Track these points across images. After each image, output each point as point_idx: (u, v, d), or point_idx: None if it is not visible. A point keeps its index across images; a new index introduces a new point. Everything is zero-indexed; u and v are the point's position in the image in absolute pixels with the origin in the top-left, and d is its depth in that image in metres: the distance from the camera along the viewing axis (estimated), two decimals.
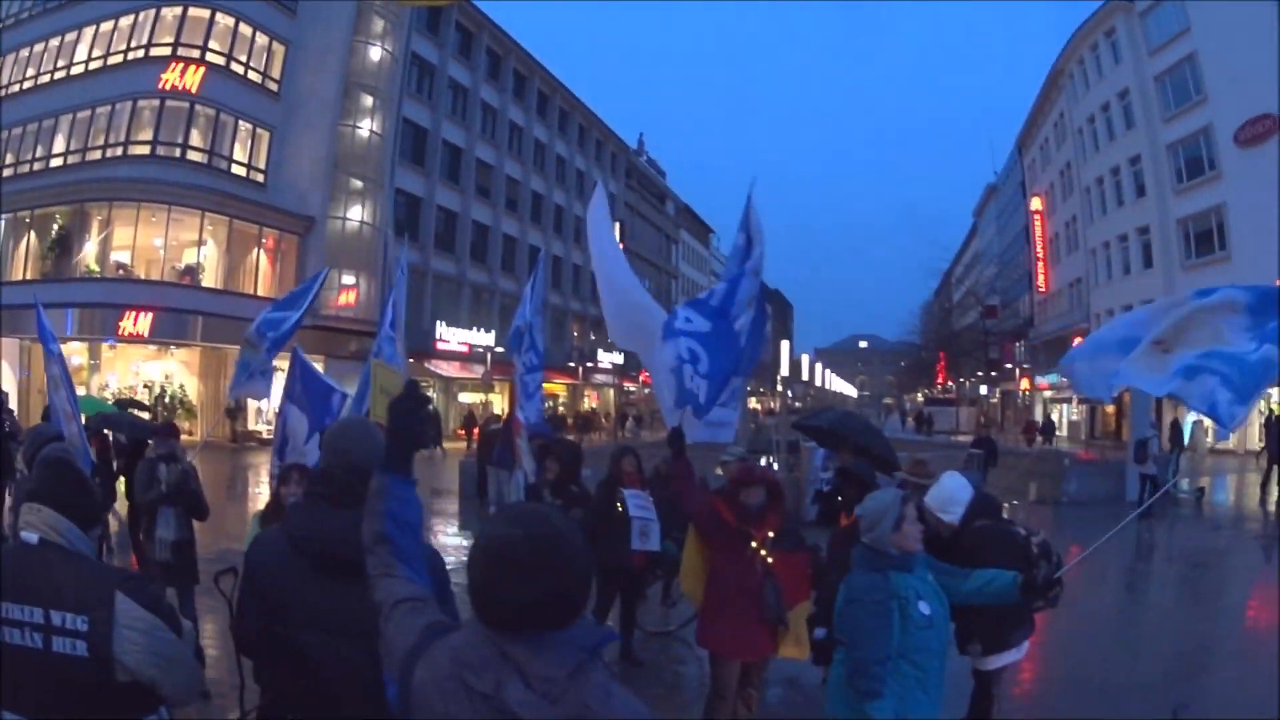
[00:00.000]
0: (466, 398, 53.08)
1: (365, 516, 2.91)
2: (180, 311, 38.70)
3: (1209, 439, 47.19)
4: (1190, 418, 46.99)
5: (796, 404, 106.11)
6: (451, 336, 52.96)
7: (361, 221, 46.87)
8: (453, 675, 2.35)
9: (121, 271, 39.19)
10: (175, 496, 8.97)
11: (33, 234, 41.37)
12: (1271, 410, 33.51)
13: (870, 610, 5.00)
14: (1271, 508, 25.62)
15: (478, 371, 50.48)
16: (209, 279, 41.05)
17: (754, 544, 7.10)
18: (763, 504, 7.15)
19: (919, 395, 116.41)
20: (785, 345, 61.21)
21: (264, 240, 43.17)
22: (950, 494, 7.17)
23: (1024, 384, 74.02)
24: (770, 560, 7.05)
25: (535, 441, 10.99)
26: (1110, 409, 49.46)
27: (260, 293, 41.89)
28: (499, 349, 49.18)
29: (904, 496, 5.39)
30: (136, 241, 40.07)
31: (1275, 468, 26.61)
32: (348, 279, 45.80)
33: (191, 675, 3.75)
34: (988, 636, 6.89)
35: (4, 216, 40.98)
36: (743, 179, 8.94)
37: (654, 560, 10.24)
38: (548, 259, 56.17)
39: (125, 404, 22.81)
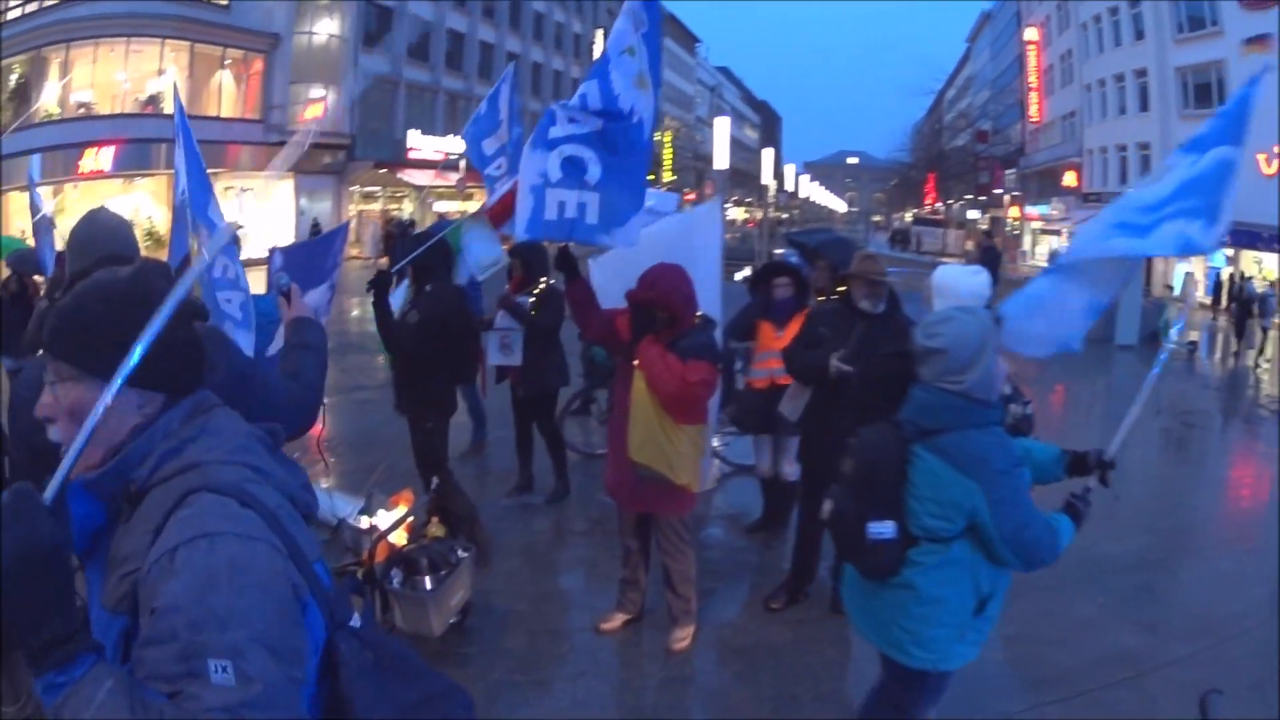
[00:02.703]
0: (441, 206, 52.89)
1: None
2: (142, 141, 39.33)
3: (1199, 292, 47.51)
4: (1181, 268, 47.74)
5: (782, 215, 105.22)
6: (425, 145, 54.14)
7: (330, 35, 47.56)
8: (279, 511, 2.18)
9: (83, 110, 39.22)
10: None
11: None
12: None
13: (1020, 480, 4.20)
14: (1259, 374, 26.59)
15: (452, 179, 50.34)
16: (172, 106, 39.90)
17: (635, 362, 6.46)
18: (655, 320, 6.41)
19: (908, 215, 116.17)
20: (769, 154, 60.11)
21: (227, 62, 44.02)
22: (985, 283, 6.25)
23: (1013, 212, 74.11)
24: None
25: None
26: None
27: (225, 114, 41.76)
28: None
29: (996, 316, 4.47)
30: (97, 79, 41.02)
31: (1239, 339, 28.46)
32: (316, 92, 46.96)
33: None
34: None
35: None
36: None
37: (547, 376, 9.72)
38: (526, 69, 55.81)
39: None
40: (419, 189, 54.30)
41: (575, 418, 11.47)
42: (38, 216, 10.14)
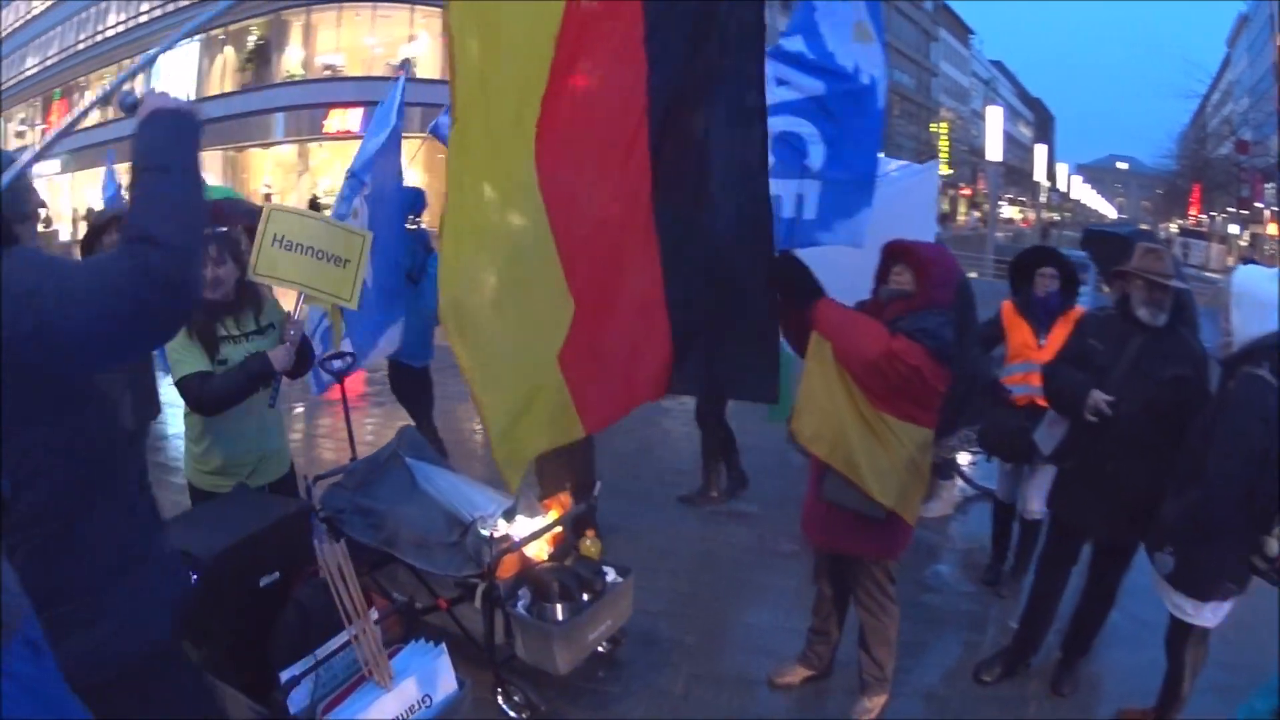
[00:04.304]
0: None
1: None
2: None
3: None
4: None
5: (1054, 216, 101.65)
6: None
7: None
8: None
9: (328, 72, 39.68)
10: None
11: (229, 49, 44.12)
12: None
13: None
14: None
15: None
16: (425, 71, 41.68)
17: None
18: (902, 294, 4.77)
19: (1173, 225, 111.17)
20: (1042, 150, 57.31)
21: None
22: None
23: (1271, 228, 68.99)
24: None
25: None
26: None
27: None
28: None
29: None
30: (342, 43, 42.34)
31: None
32: None
33: None
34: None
35: (199, 38, 43.57)
36: None
37: None
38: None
39: None
40: None
41: None
42: None
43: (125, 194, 9.47)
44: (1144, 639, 5.88)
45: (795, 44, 4.83)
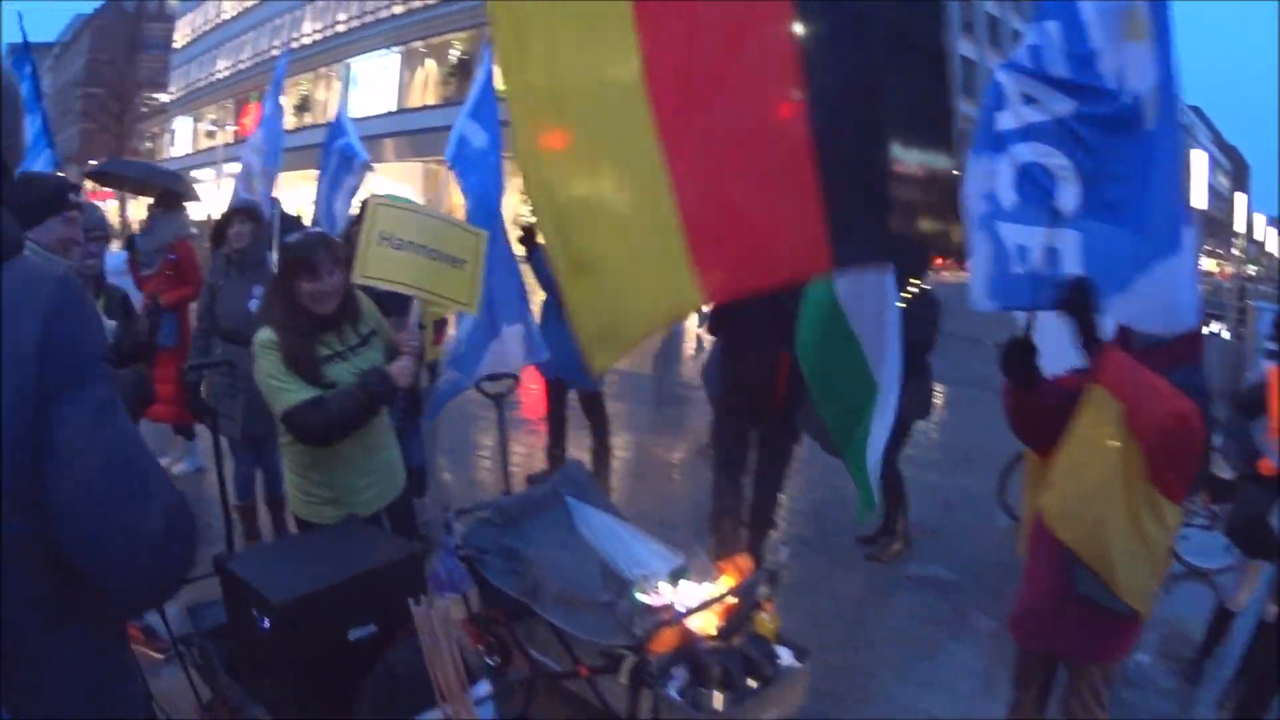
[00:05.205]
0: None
1: None
2: None
3: None
4: None
5: (1250, 268, 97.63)
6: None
7: None
8: None
9: None
10: None
11: (430, 62, 45.20)
12: None
13: None
14: None
15: None
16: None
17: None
18: (1161, 343, 3.89)
19: None
20: (1242, 199, 54.50)
21: None
22: None
23: None
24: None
25: None
26: None
27: None
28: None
29: None
30: None
31: None
32: None
33: None
34: None
35: (399, 49, 45.35)
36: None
37: None
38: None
39: None
40: None
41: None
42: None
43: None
44: None
45: (1047, 37, 3.61)
